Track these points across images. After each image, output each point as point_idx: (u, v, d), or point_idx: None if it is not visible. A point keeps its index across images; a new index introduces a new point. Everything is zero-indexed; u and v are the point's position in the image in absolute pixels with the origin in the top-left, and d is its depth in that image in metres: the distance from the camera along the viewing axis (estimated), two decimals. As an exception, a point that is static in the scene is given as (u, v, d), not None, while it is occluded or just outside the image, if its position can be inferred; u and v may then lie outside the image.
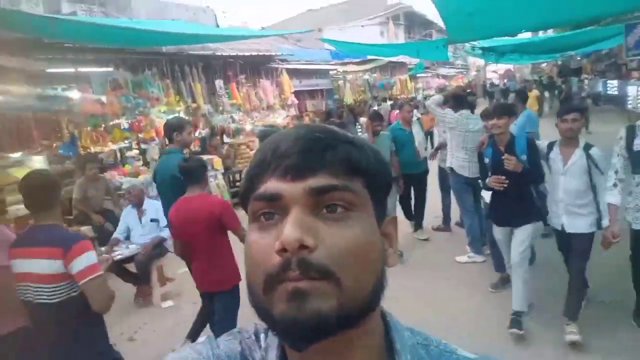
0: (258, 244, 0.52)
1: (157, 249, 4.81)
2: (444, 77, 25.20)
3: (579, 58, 22.23)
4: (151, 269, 4.78)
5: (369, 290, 0.52)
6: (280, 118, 10.32)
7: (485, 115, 3.98)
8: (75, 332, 2.22)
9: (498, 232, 3.75)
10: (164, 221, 4.84)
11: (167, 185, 3.45)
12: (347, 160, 0.53)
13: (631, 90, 14.39)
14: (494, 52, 12.31)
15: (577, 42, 11.90)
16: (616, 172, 3.19)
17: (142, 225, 4.85)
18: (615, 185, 3.19)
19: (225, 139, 9.41)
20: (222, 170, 8.23)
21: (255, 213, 0.54)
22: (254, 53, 9.59)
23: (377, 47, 12.64)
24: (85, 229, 5.49)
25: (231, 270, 3.09)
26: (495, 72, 36.14)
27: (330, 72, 13.65)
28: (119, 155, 7.89)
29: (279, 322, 0.49)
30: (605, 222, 3.24)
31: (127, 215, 4.95)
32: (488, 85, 26.83)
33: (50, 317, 2.17)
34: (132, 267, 4.95)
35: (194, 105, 8.19)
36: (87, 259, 2.15)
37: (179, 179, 3.12)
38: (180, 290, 5.00)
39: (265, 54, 10.05)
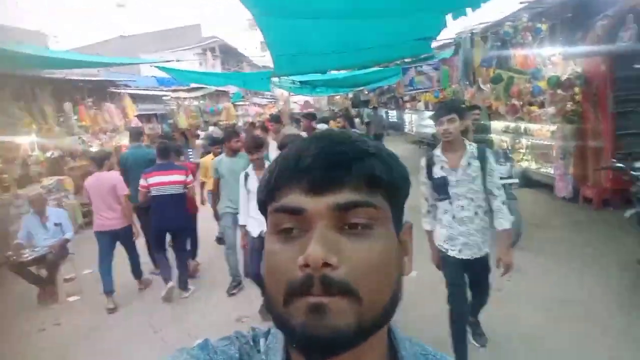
0: (280, 256, 0.53)
1: (62, 249, 5.36)
2: (259, 105, 27.60)
3: (366, 92, 27.11)
4: (59, 268, 5.29)
5: (386, 303, 0.53)
6: (126, 139, 10.79)
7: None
8: (184, 206, 5.20)
9: None
10: (67, 225, 5.46)
11: (140, 165, 5.48)
12: (371, 174, 0.54)
13: (407, 118, 18.61)
14: (309, 85, 14.92)
15: (369, 79, 15.27)
16: (426, 200, 3.23)
17: (47, 229, 5.32)
18: (428, 212, 3.24)
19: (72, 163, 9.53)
20: (73, 191, 8.52)
21: (277, 225, 0.55)
22: (100, 78, 10.01)
23: (210, 75, 13.97)
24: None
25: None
26: (296, 102, 40.71)
27: (164, 98, 14.42)
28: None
29: (298, 334, 0.50)
30: None
31: (29, 222, 5.33)
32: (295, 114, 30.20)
33: (176, 199, 5.03)
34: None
35: (46, 127, 8.34)
36: (191, 176, 5.19)
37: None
38: (82, 288, 5.56)
39: (109, 79, 10.49)
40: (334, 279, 0.49)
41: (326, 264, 0.49)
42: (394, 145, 17.39)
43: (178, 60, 8.99)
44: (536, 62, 6.95)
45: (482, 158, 2.98)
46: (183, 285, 5.11)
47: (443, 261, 3.16)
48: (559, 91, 7.09)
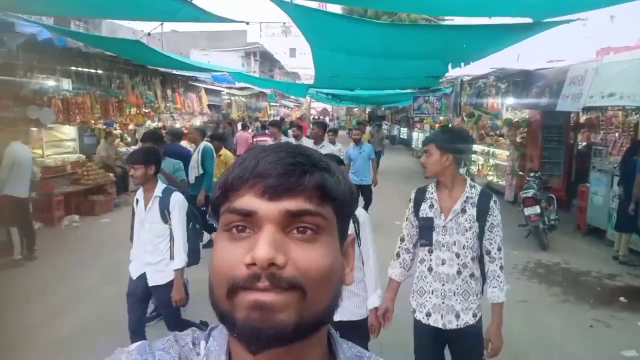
0: (227, 253, 0.55)
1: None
2: (287, 107, 31.36)
3: (383, 109, 30.70)
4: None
5: (326, 306, 0.56)
6: (198, 121, 14.41)
7: None
8: None
9: None
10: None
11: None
12: (322, 186, 0.57)
13: (414, 135, 22.10)
14: (338, 98, 18.56)
15: (386, 100, 18.90)
16: (402, 239, 2.60)
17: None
18: (398, 254, 2.60)
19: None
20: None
21: (227, 224, 0.57)
22: (189, 74, 13.59)
23: (261, 80, 17.59)
24: (111, 176, 9.20)
25: None
26: (314, 109, 44.65)
27: (221, 93, 18.04)
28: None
29: (240, 327, 0.52)
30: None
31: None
32: (321, 118, 33.92)
33: None
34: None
35: (157, 105, 11.92)
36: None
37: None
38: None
39: (193, 74, 14.07)
40: (281, 275, 0.52)
41: (272, 264, 0.51)
42: (402, 158, 20.77)
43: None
44: (498, 107, 10.42)
45: (483, 207, 2.38)
46: None
47: (414, 324, 2.55)
48: (513, 128, 10.55)
